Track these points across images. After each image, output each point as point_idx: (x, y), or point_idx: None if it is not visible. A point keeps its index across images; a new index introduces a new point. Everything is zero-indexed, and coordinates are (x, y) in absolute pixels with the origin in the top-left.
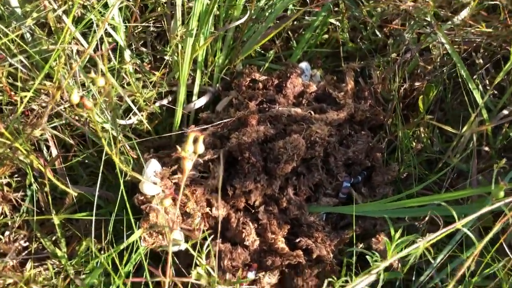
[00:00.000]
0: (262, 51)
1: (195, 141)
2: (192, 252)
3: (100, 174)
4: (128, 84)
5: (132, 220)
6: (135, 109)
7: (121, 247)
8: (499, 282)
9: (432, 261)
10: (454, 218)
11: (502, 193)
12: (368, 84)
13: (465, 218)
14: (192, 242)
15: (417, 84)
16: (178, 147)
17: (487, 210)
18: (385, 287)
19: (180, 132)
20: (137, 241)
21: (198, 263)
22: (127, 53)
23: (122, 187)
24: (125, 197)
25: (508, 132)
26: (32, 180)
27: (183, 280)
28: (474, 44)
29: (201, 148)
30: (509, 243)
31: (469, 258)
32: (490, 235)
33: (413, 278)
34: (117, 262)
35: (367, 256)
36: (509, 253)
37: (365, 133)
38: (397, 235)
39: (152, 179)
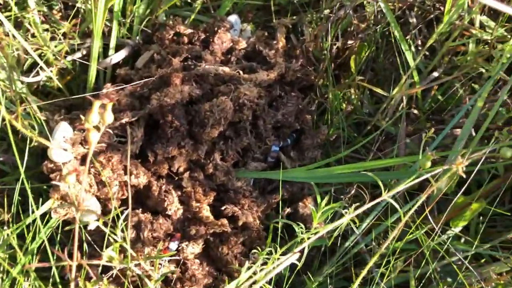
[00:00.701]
0: (188, 0)
1: (104, 108)
2: (105, 229)
3: None
4: (34, 35)
5: (29, 192)
6: (42, 64)
7: (27, 221)
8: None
9: (357, 232)
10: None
11: (429, 164)
12: (300, 41)
13: (390, 191)
14: (107, 218)
15: (350, 42)
16: (82, 116)
17: (410, 182)
18: (311, 251)
19: (95, 93)
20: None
21: (111, 240)
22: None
23: (20, 160)
24: (21, 168)
25: (436, 95)
26: None
27: (93, 263)
28: (408, 3)
29: (109, 118)
30: (431, 211)
31: (394, 229)
32: (414, 207)
33: (339, 243)
34: (15, 244)
35: (293, 224)
36: (432, 222)
37: (295, 94)
38: (324, 202)
39: (62, 144)
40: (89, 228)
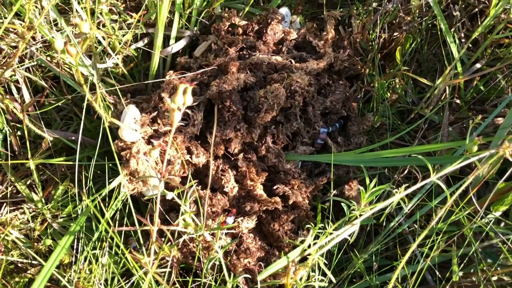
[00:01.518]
0: None
1: (184, 92)
2: (179, 201)
3: (82, 123)
4: (104, 25)
5: (106, 166)
6: (112, 53)
7: (104, 192)
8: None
9: (406, 209)
10: (425, 168)
11: (475, 148)
12: (347, 33)
13: (439, 173)
14: (178, 191)
15: (395, 34)
16: (167, 98)
17: (458, 164)
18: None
19: (158, 80)
20: (117, 187)
21: (183, 211)
22: None
23: (106, 133)
24: (110, 143)
25: (478, 85)
26: (5, 123)
27: (170, 229)
28: None
29: (189, 100)
30: (475, 194)
31: (440, 210)
32: (461, 188)
33: (383, 224)
34: (98, 208)
35: (342, 204)
36: (476, 204)
37: (342, 82)
38: (372, 184)
39: (131, 125)
40: (167, 197)
